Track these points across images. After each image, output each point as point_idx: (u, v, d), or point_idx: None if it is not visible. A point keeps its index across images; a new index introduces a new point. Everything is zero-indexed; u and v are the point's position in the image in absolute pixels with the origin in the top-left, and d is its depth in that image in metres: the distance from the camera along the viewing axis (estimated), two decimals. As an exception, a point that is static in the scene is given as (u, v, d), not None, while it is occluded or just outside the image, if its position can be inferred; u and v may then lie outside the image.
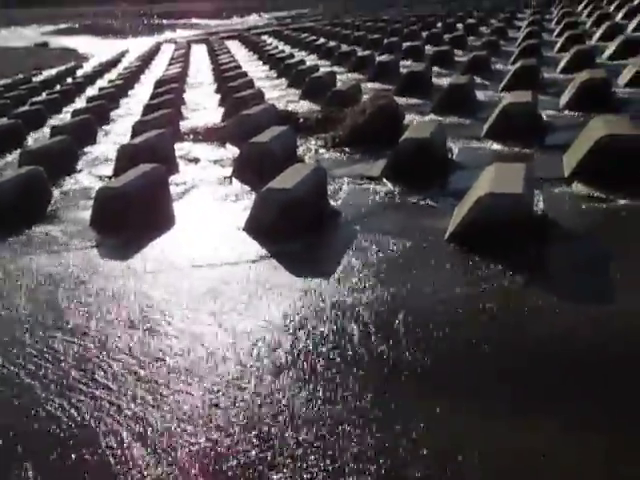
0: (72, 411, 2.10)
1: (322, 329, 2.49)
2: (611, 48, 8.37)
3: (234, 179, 4.69)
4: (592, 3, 14.36)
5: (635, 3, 13.10)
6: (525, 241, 3.02)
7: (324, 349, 2.35)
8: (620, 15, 12.14)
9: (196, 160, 5.45)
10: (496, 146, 4.75)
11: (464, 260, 2.97)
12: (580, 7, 14.73)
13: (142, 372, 2.29)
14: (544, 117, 5.25)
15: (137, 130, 5.98)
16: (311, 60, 11.51)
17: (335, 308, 2.64)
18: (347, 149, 4.99)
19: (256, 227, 3.57)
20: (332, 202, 3.90)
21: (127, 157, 4.91)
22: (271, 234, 3.44)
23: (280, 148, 4.67)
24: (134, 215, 3.83)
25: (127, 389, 2.19)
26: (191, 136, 6.27)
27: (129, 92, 10.59)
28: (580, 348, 2.23)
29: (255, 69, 11.48)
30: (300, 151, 5.07)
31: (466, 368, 2.18)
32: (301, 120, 5.89)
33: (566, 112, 5.62)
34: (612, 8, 13.28)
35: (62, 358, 2.44)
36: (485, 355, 2.23)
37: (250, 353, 2.35)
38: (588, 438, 1.78)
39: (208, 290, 2.91)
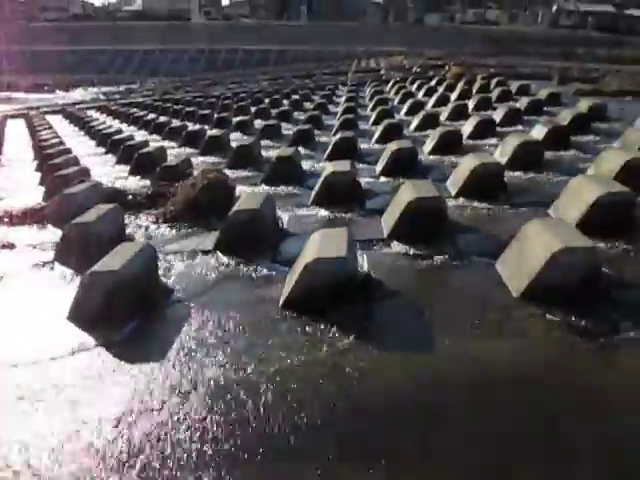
0: None
1: (155, 420, 2.35)
2: (415, 121, 9.53)
3: (56, 264, 4.34)
4: (397, 83, 16.33)
5: (432, 84, 15.23)
6: (352, 301, 3.20)
7: (161, 444, 2.21)
8: (421, 93, 13.98)
9: (11, 245, 4.96)
10: (322, 212, 5.03)
11: (298, 327, 3.03)
12: (388, 86, 16.63)
13: None
14: (363, 184, 5.72)
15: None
16: (141, 135, 11.36)
17: (169, 394, 2.51)
18: (179, 224, 4.92)
19: (81, 315, 3.31)
20: (164, 280, 3.78)
21: None
22: (98, 321, 3.21)
23: (106, 228, 4.46)
24: None
25: None
26: (6, 219, 5.72)
27: None
28: (406, 402, 2.38)
29: (81, 145, 10.98)
30: (129, 229, 4.89)
31: (297, 430, 2.21)
32: (130, 197, 5.71)
33: (382, 178, 6.20)
34: (414, 88, 15.25)
35: None
36: (315, 417, 2.29)
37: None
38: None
39: (24, 394, 2.60)
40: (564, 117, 8.33)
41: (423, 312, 3.12)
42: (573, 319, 2.91)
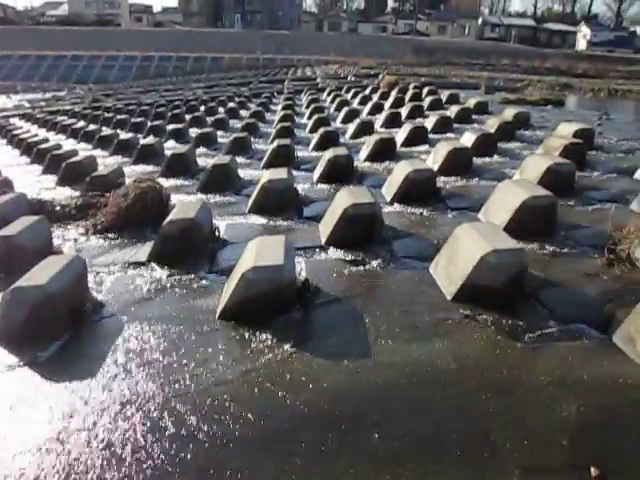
0: None
1: (84, 441, 2.24)
2: (351, 129, 9.67)
3: (-24, 280, 4.07)
4: (333, 92, 16.53)
5: (367, 92, 15.53)
6: (290, 308, 3.19)
7: (91, 467, 2.11)
8: (356, 102, 14.22)
9: None
10: (260, 220, 5.00)
11: (235, 337, 3.00)
12: (324, 94, 16.81)
13: None
14: (300, 191, 5.73)
15: None
16: (69, 144, 10.90)
17: (100, 413, 2.41)
18: (111, 235, 4.75)
19: (4, 332, 3.12)
20: (95, 294, 3.63)
21: None
22: (23, 339, 3.04)
23: (31, 240, 4.24)
24: None
25: None
26: None
27: None
28: (341, 407, 2.40)
29: (3, 155, 10.43)
30: (57, 242, 4.67)
31: (234, 443, 2.18)
32: (57, 208, 5.46)
33: (319, 185, 6.24)
34: (349, 96, 15.49)
35: None
36: (253, 428, 2.26)
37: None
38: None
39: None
40: (491, 125, 8.71)
41: (360, 317, 3.15)
42: (502, 319, 3.03)
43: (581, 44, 65.79)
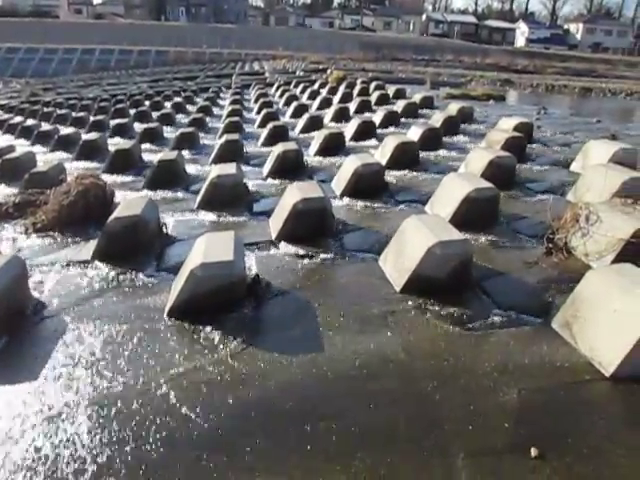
0: None
1: (27, 445, 2.17)
2: (300, 124, 9.67)
3: None
4: (282, 86, 16.48)
5: (316, 87, 15.56)
6: (242, 303, 3.17)
7: (33, 472, 2.04)
8: (305, 96, 14.23)
9: None
10: (209, 216, 4.93)
11: (184, 334, 2.95)
12: (273, 89, 16.73)
13: None
14: (250, 186, 5.69)
15: None
16: (5, 140, 10.42)
17: (41, 417, 2.33)
18: (52, 233, 4.57)
19: (-63, 338, 2.96)
20: (36, 294, 3.50)
21: None
22: (-42, 343, 2.89)
23: (-34, 241, 4.04)
24: None
25: None
26: None
27: None
28: (293, 400, 2.41)
29: None
30: (-6, 242, 4.46)
31: (185, 441, 2.16)
32: (-6, 206, 5.21)
33: (269, 180, 6.21)
34: (298, 91, 15.48)
35: None
36: (203, 425, 2.25)
37: None
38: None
39: None
40: (437, 119, 8.91)
41: (311, 310, 3.16)
42: (449, 309, 3.11)
43: (520, 41, 68.27)
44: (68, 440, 2.19)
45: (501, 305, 3.17)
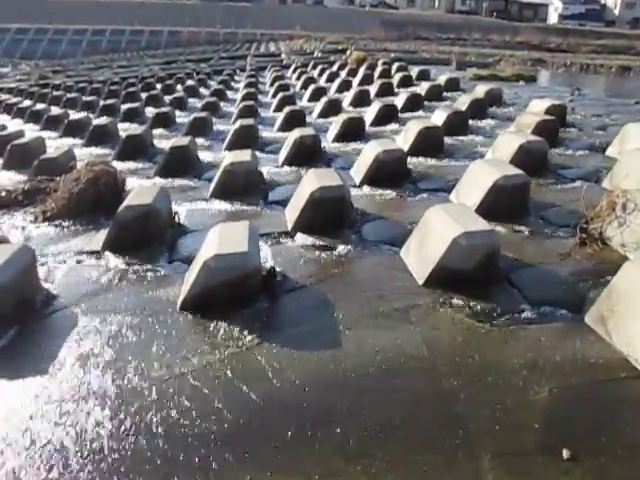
0: None
1: (37, 437, 2.08)
2: (318, 108, 9.43)
3: None
4: (299, 69, 16.19)
5: (334, 69, 15.24)
6: (256, 296, 3.04)
7: (45, 465, 1.95)
8: (323, 79, 13.92)
9: None
10: (222, 205, 4.79)
11: (198, 328, 2.84)
12: (289, 71, 16.46)
13: None
14: (265, 174, 5.53)
15: None
16: (15, 125, 10.35)
17: (53, 409, 2.24)
18: (62, 222, 4.47)
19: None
20: (46, 285, 3.39)
21: None
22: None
23: (-27, 230, 3.94)
24: None
25: None
26: None
27: None
28: (310, 397, 2.29)
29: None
30: (3, 230, 4.37)
31: (201, 437, 2.07)
32: (3, 193, 5.13)
33: (285, 168, 6.04)
34: (316, 73, 15.17)
35: None
36: (218, 421, 2.15)
37: None
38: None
39: None
40: (463, 102, 8.59)
41: (329, 305, 3.02)
42: (474, 303, 2.95)
43: (552, 17, 65.38)
44: (79, 432, 2.11)
45: (531, 299, 3.00)
